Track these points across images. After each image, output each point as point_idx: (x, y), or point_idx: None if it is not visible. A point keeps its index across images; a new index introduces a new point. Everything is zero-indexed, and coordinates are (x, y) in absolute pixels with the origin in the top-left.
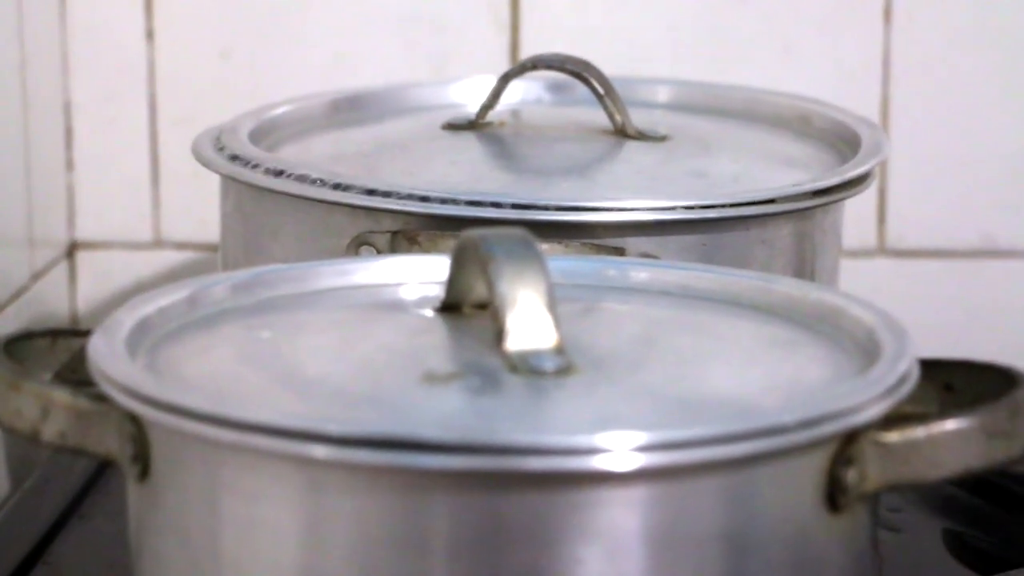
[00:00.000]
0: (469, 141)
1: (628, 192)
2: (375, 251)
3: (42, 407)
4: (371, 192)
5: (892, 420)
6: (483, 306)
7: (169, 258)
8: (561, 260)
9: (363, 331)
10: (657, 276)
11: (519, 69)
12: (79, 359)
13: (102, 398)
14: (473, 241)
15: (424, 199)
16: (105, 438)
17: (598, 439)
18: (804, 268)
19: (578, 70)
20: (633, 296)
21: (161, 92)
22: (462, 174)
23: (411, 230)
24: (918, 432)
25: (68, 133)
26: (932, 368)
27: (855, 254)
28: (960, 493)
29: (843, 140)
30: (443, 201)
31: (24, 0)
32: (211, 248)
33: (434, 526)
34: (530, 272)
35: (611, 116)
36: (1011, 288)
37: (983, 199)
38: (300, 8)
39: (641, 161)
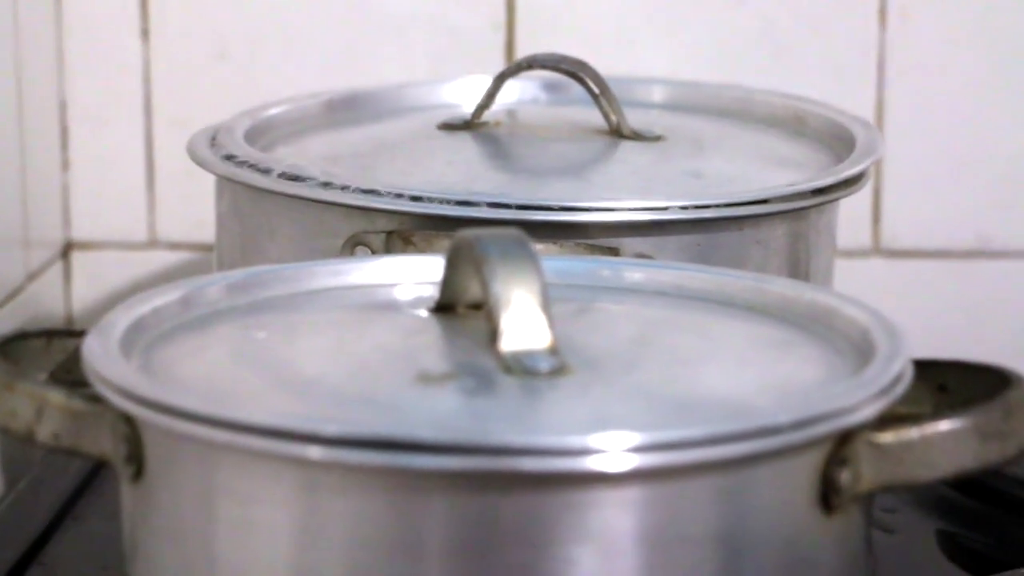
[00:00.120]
0: (465, 141)
1: (623, 192)
2: (370, 251)
3: (36, 408)
4: (366, 192)
5: (886, 421)
6: (478, 306)
7: (164, 258)
8: (555, 260)
9: (358, 331)
10: (652, 276)
11: (515, 69)
12: (74, 359)
13: (96, 399)
14: (467, 241)
15: (418, 199)
16: (99, 439)
17: (592, 440)
18: (799, 268)
19: (574, 70)
20: (627, 296)
21: (156, 92)
22: (458, 174)
23: (406, 230)
24: (912, 433)
25: (63, 133)
26: (926, 368)
27: (850, 254)
28: (954, 494)
29: (838, 140)
30: (438, 201)
31: (20, 0)
32: (206, 248)
33: (429, 527)
34: (524, 272)
35: (606, 116)
36: (1005, 288)
37: (978, 199)
38: (296, 9)
39: (636, 161)
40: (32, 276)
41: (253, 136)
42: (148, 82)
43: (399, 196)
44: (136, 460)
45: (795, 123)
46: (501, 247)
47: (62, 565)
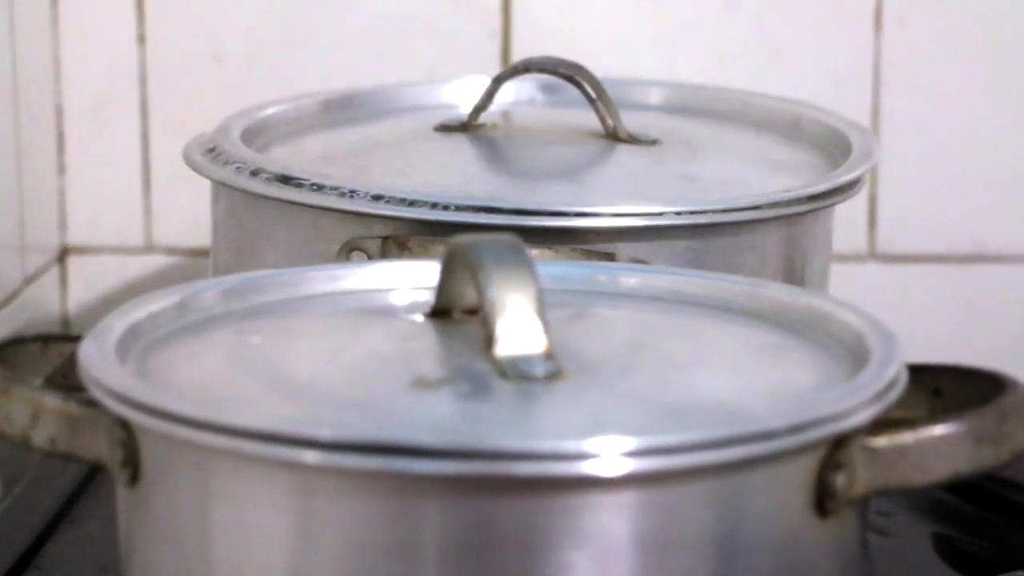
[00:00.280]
0: (461, 143)
1: (619, 196)
2: (366, 256)
3: (32, 412)
4: (362, 198)
5: (881, 425)
6: (473, 311)
7: (160, 263)
8: (551, 265)
9: (353, 336)
10: (647, 281)
11: (511, 71)
12: (70, 364)
13: (92, 403)
14: (463, 247)
15: (414, 204)
16: (95, 443)
17: (587, 444)
18: (794, 273)
19: (570, 73)
20: (623, 301)
21: (153, 96)
22: (453, 176)
23: (401, 235)
24: (907, 437)
25: (60, 137)
26: (921, 373)
27: (845, 259)
28: (949, 497)
29: (834, 144)
30: (433, 206)
31: (16, 3)
32: (202, 253)
33: (424, 531)
34: (520, 277)
35: (602, 119)
36: (1000, 293)
37: (973, 204)
38: (292, 13)
39: (632, 164)
40: (28, 280)
41: (249, 136)
42: (144, 86)
43: (395, 201)
44: (132, 464)
45: (791, 127)
46: (496, 252)
47: (59, 569)
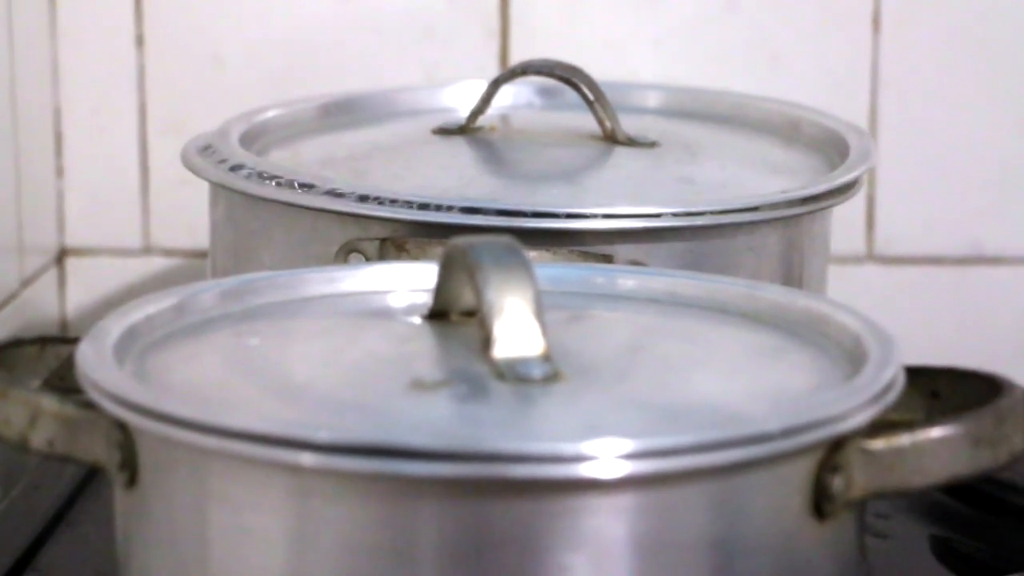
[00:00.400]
0: (459, 146)
1: (617, 198)
2: (364, 258)
3: (30, 414)
4: (360, 199)
5: (878, 427)
6: (471, 313)
7: (158, 265)
8: (549, 267)
9: (351, 338)
10: (644, 283)
11: (509, 74)
12: (68, 366)
13: (90, 405)
14: (461, 249)
15: (412, 206)
16: (93, 445)
17: (584, 447)
18: (792, 275)
19: (568, 76)
20: (620, 303)
21: (151, 99)
22: (452, 179)
23: (399, 237)
24: (904, 439)
25: (58, 139)
26: (918, 375)
27: (843, 261)
28: (947, 499)
29: (832, 147)
30: (431, 208)
31: (14, 6)
32: (200, 255)
33: (421, 533)
34: (517, 280)
35: (600, 122)
36: (999, 295)
37: (971, 206)
38: (291, 15)
39: (630, 167)
40: (26, 282)
41: (247, 140)
42: (143, 88)
43: (393, 203)
44: (130, 467)
45: (789, 130)
46: (494, 254)
47: (56, 571)
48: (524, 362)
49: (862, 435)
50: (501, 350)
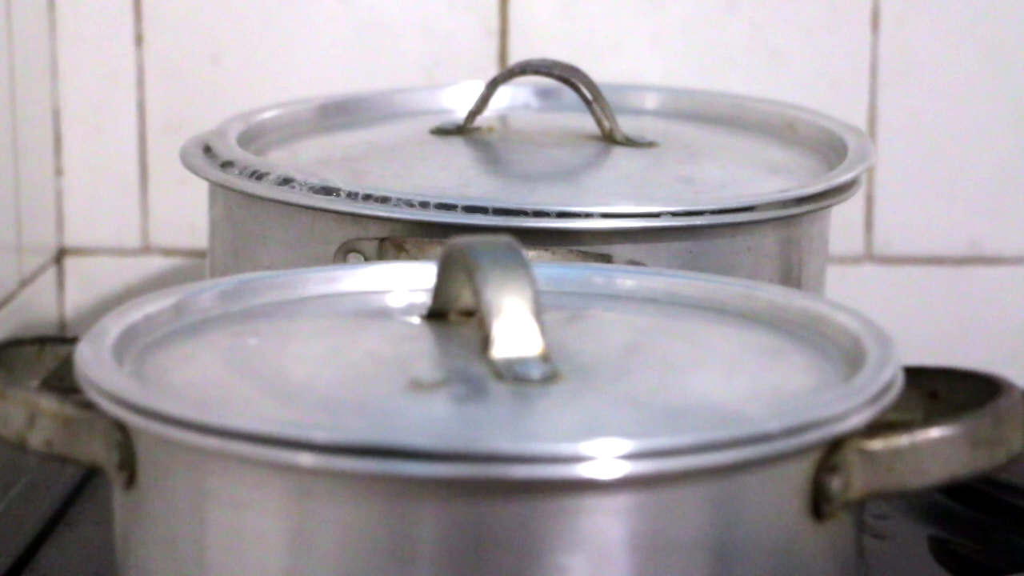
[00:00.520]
0: (457, 146)
1: (615, 197)
2: (363, 258)
3: (29, 414)
4: (358, 199)
5: (877, 428)
6: (470, 313)
7: (157, 264)
8: (547, 267)
9: (350, 338)
10: (643, 283)
11: (508, 74)
12: (66, 366)
13: (89, 406)
14: (459, 249)
15: (411, 205)
16: (92, 446)
17: (583, 447)
18: (791, 275)
19: (566, 75)
20: (619, 303)
21: (150, 98)
22: (450, 178)
23: (398, 237)
24: (902, 440)
25: (57, 139)
26: (916, 376)
27: (842, 261)
28: (946, 500)
29: (830, 147)
30: (430, 207)
31: (13, 5)
32: (199, 254)
33: (420, 534)
34: (516, 279)
35: (599, 122)
36: (997, 295)
37: (970, 206)
38: (290, 14)
39: (629, 166)
40: (25, 282)
41: (245, 140)
42: (142, 88)
43: (392, 203)
44: (128, 467)
45: (787, 130)
46: (493, 254)
47: (55, 571)
48: (523, 362)
49: (860, 435)
50: (500, 350)
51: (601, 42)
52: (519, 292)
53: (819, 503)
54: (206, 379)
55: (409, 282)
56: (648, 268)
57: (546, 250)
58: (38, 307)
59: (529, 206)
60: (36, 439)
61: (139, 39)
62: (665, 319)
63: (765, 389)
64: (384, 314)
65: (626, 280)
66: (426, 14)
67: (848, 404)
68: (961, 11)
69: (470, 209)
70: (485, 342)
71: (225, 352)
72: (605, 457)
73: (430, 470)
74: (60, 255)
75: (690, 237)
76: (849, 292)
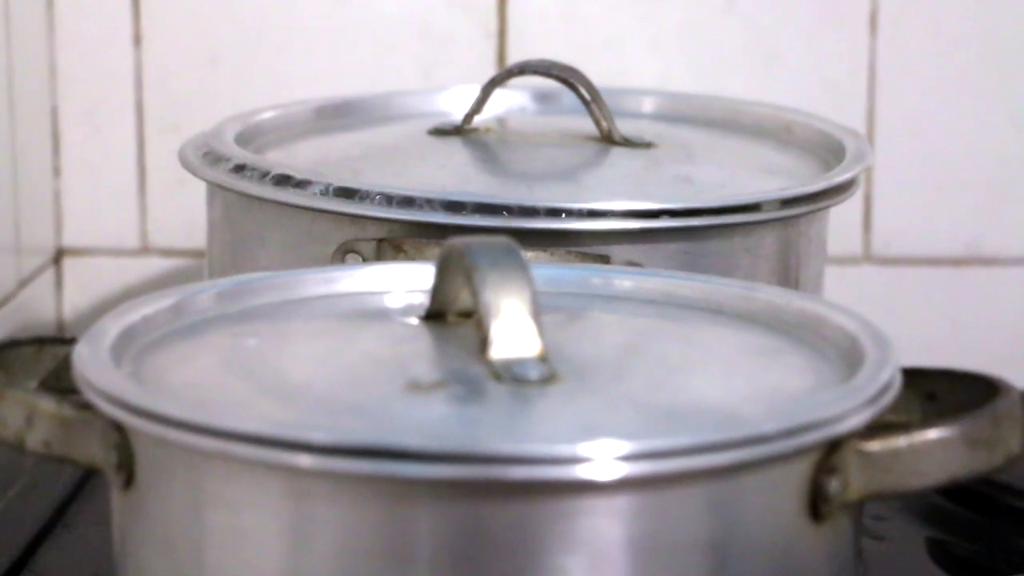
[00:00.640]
0: (455, 146)
1: (613, 198)
2: (361, 259)
3: (27, 415)
4: (356, 199)
5: (875, 429)
6: (468, 314)
7: (155, 265)
8: (546, 268)
9: (348, 339)
10: (641, 284)
11: (506, 74)
12: (65, 367)
13: (87, 406)
14: (457, 249)
15: (409, 206)
16: (90, 446)
17: (581, 448)
18: (789, 276)
19: (564, 76)
20: (617, 304)
21: (148, 98)
22: (448, 179)
23: (396, 237)
24: (901, 441)
25: (55, 139)
26: (915, 377)
27: (840, 262)
28: (944, 501)
29: (827, 149)
30: (428, 207)
31: (12, 5)
32: (198, 255)
33: (418, 535)
34: (514, 280)
35: (597, 122)
36: (995, 296)
37: (968, 207)
38: (288, 15)
39: (627, 167)
40: (23, 283)
41: (243, 141)
42: (140, 88)
43: (390, 203)
44: (126, 468)
45: (784, 134)
46: (491, 255)
47: (53, 572)
48: (521, 363)
49: (858, 437)
50: (498, 351)
51: (599, 43)
52: (517, 293)
53: (817, 504)
54: (204, 380)
55: (407, 283)
56: (646, 269)
57: (544, 251)
58: (36, 308)
59: (530, 202)
60: (34, 440)
61: (137, 40)
62: (663, 320)
63: (763, 390)
64: (382, 315)
65: (624, 281)
66: (424, 15)
67: (846, 405)
68: (959, 12)
69: (468, 210)
70: (483, 343)
71: (223, 353)
72: (603, 458)
73: (428, 471)
74: (58, 255)
75: (688, 238)
76: (847, 293)
